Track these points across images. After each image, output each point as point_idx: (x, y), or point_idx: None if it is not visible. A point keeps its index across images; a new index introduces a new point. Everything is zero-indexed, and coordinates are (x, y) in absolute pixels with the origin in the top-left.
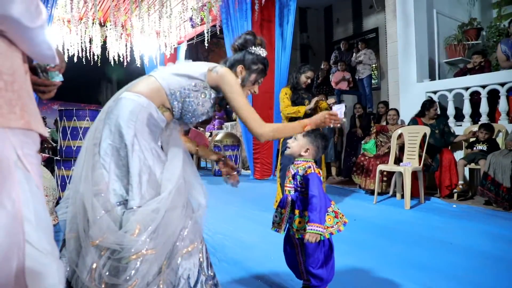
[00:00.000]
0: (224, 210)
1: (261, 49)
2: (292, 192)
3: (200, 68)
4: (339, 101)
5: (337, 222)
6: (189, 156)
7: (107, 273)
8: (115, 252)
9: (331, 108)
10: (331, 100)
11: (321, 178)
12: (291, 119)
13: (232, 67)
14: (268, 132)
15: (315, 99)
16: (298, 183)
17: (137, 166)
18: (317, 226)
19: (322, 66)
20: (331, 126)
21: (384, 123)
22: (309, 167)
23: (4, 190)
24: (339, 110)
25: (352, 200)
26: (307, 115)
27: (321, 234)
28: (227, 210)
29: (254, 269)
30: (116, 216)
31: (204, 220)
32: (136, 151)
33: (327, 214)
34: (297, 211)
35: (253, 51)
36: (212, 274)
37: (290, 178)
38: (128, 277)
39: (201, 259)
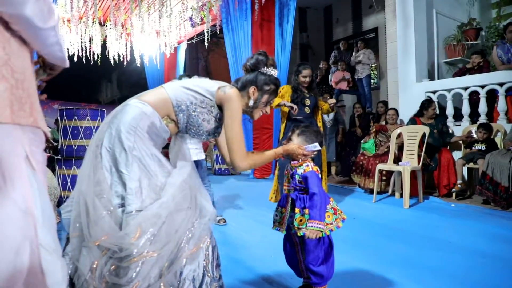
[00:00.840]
0: (224, 208)
1: (273, 69)
2: (292, 191)
3: (211, 86)
4: (337, 100)
5: (336, 219)
6: (196, 169)
7: (107, 273)
8: (115, 252)
9: (332, 109)
10: (332, 100)
11: (319, 175)
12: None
13: (244, 87)
14: (246, 166)
15: (293, 105)
16: (297, 182)
17: (137, 171)
18: (317, 223)
19: (321, 66)
20: (299, 159)
21: (384, 123)
22: (307, 165)
23: (15, 186)
24: (312, 149)
25: (351, 199)
26: (307, 116)
27: (321, 231)
28: (227, 209)
29: (254, 268)
30: (118, 218)
31: (212, 224)
32: (136, 156)
33: (326, 211)
34: (297, 210)
35: (265, 72)
36: (217, 275)
37: (289, 178)
38: (130, 279)
39: (206, 261)
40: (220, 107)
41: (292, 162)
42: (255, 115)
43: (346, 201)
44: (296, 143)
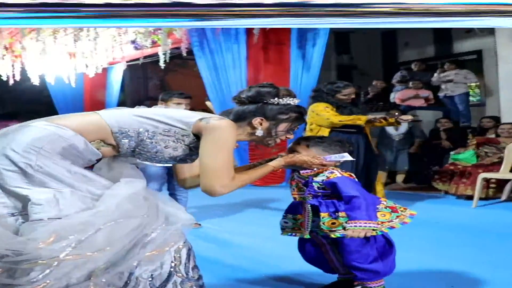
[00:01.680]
0: (227, 209)
1: (291, 98)
2: (310, 198)
3: (187, 117)
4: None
5: (397, 216)
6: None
7: None
8: (6, 256)
9: (398, 123)
10: (407, 117)
11: (355, 180)
12: (342, 127)
13: (242, 119)
14: (229, 190)
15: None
16: (316, 189)
17: (46, 185)
18: (364, 223)
19: (374, 83)
20: (314, 168)
21: (492, 136)
22: (331, 172)
23: None
24: (338, 159)
25: (437, 205)
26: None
27: (374, 229)
28: (230, 209)
29: (256, 266)
30: (8, 225)
31: (187, 231)
32: (42, 172)
33: (379, 211)
34: (324, 214)
35: (276, 102)
36: (196, 276)
37: (300, 186)
38: (34, 279)
39: (175, 262)
40: (196, 135)
41: (301, 171)
42: (270, 143)
43: (430, 207)
44: (312, 155)
